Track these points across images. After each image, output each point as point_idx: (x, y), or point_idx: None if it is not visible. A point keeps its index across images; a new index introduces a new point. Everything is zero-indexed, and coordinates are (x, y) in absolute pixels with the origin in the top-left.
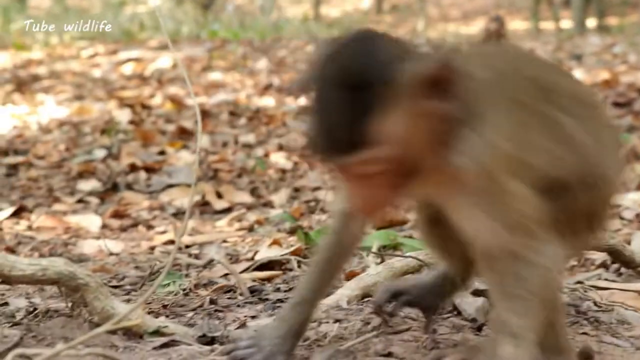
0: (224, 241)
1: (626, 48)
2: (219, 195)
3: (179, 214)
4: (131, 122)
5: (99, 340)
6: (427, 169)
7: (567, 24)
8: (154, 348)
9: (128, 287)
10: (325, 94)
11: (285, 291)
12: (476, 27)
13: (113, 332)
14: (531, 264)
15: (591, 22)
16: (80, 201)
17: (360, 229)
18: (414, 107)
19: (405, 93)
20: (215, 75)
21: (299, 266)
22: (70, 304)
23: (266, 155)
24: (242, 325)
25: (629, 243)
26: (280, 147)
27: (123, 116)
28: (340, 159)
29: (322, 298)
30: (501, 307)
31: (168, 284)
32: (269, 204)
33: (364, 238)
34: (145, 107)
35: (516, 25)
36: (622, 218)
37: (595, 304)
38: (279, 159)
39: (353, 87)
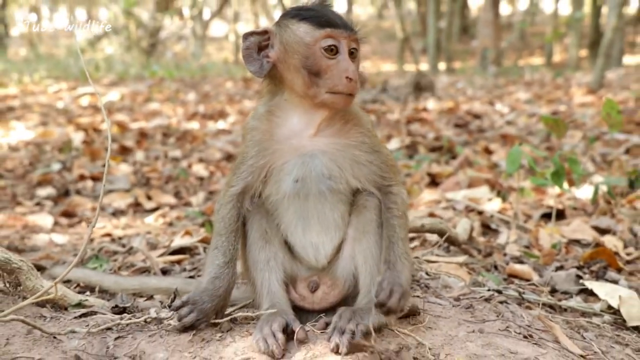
0: (148, 233)
1: (466, 84)
2: (149, 198)
3: (116, 213)
4: (84, 142)
5: (31, 312)
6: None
7: (424, 66)
8: (75, 317)
9: None
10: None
11: (190, 270)
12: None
13: (42, 305)
14: (402, 193)
15: (442, 65)
16: (37, 204)
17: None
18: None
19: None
20: (154, 105)
21: (204, 251)
22: (7, 284)
23: (189, 166)
24: (150, 298)
25: (455, 227)
26: (201, 160)
27: (77, 138)
28: (352, 29)
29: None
30: (393, 224)
31: (96, 267)
32: (188, 204)
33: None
34: (96, 130)
35: (387, 67)
36: (454, 209)
37: (426, 273)
38: (199, 169)
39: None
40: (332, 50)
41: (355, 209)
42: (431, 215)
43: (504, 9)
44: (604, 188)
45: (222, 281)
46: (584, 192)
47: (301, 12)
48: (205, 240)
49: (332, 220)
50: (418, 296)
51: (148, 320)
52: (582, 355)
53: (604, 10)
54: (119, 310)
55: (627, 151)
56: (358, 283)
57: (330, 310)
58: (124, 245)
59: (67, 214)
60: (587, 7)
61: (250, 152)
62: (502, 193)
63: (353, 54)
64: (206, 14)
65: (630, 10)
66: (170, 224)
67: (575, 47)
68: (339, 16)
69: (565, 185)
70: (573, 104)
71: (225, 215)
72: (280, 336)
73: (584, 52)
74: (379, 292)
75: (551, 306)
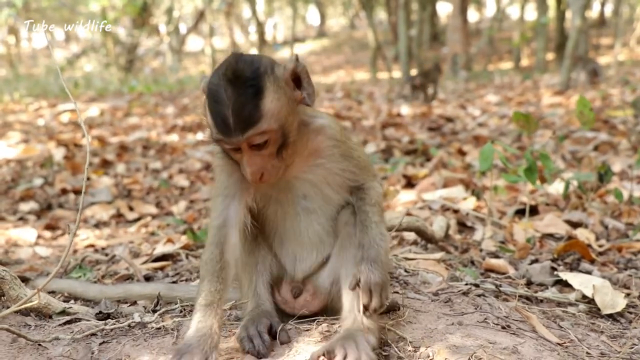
0: (131, 242)
1: (438, 89)
2: (131, 209)
3: (99, 224)
4: (65, 157)
5: (15, 321)
6: (296, 137)
7: (397, 74)
8: (59, 325)
9: None
10: (227, 90)
11: (172, 276)
12: (333, 78)
13: (26, 314)
14: (375, 186)
15: (414, 72)
16: (20, 219)
17: (238, 238)
18: (284, 92)
19: (278, 84)
20: (133, 120)
21: (186, 257)
22: None
23: (170, 177)
24: (134, 304)
25: (432, 225)
26: (181, 171)
27: (59, 153)
28: (245, 133)
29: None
30: (366, 210)
31: (80, 277)
32: (170, 214)
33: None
34: (77, 145)
35: (360, 75)
36: (431, 209)
37: (405, 270)
38: (179, 179)
39: (246, 82)
40: (234, 149)
41: (337, 225)
42: (408, 215)
43: (472, 16)
44: (574, 183)
45: (206, 324)
46: (556, 188)
47: (207, 97)
48: (187, 247)
49: (307, 239)
50: (397, 292)
51: (132, 324)
52: (559, 343)
53: (568, 14)
54: (103, 316)
55: (596, 148)
56: (341, 297)
57: (311, 317)
58: (107, 255)
59: (50, 227)
60: (552, 12)
61: (221, 187)
62: (476, 192)
63: (267, 143)
64: (182, 30)
65: (593, 13)
66: (153, 233)
67: (542, 50)
68: (236, 114)
69: (537, 181)
70: (542, 105)
71: (207, 259)
72: (267, 337)
73: (550, 55)
74: (352, 286)
75: (527, 297)
